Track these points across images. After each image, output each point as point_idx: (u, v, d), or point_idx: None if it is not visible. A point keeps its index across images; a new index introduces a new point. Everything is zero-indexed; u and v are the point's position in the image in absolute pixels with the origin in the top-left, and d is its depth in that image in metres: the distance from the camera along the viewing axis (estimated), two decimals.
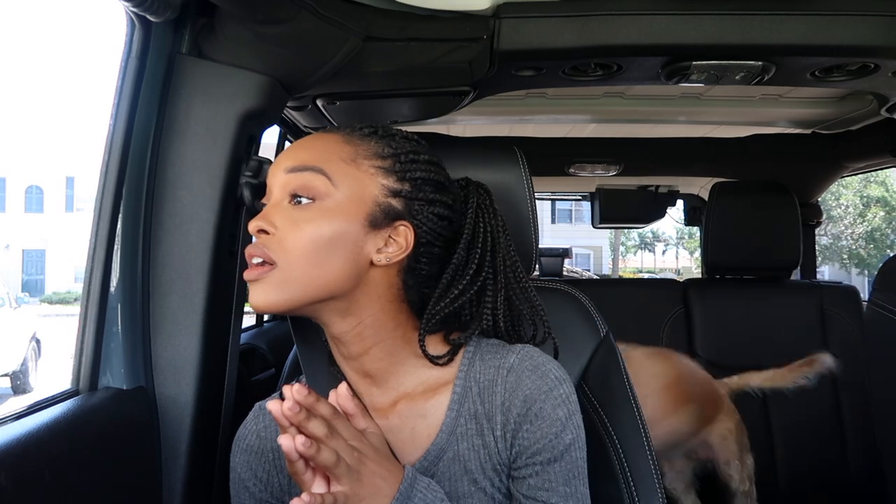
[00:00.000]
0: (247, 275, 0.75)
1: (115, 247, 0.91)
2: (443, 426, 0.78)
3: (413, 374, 0.80)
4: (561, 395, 0.76)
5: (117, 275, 0.92)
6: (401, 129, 0.82)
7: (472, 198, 0.84)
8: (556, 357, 0.85)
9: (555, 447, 0.75)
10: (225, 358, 1.00)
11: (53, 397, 0.85)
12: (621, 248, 26.50)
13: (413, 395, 0.80)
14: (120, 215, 0.91)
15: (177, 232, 0.94)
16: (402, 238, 0.77)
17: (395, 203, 0.77)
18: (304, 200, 0.75)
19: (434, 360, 0.79)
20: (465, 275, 0.80)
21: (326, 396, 0.79)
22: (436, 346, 0.81)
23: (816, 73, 1.24)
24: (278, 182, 0.77)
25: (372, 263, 0.76)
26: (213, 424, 0.98)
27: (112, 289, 0.91)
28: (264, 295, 0.74)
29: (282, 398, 0.83)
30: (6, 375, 7.24)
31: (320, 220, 0.74)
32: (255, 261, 0.74)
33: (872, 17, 1.07)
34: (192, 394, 0.93)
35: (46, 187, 23.83)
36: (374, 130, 0.80)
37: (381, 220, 0.76)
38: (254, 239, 0.76)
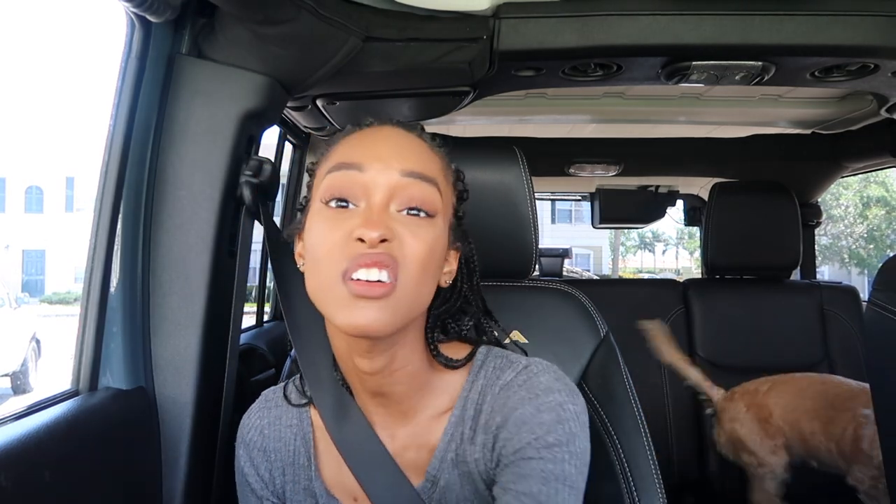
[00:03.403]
0: (368, 290, 0.63)
1: (115, 247, 0.91)
2: (436, 453, 0.75)
3: (427, 399, 0.76)
4: (549, 401, 0.70)
5: (117, 275, 0.92)
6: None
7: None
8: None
9: (532, 446, 0.69)
10: (224, 358, 1.00)
11: (54, 397, 0.85)
12: (621, 249, 26.50)
13: (419, 420, 0.76)
14: (120, 215, 0.91)
15: (177, 232, 0.94)
16: (454, 258, 0.75)
17: (454, 224, 0.75)
18: (423, 214, 0.68)
19: (447, 363, 0.75)
20: (463, 275, 0.79)
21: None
22: (452, 353, 0.78)
23: (816, 73, 1.25)
24: (388, 181, 0.67)
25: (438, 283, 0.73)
26: (213, 424, 0.98)
27: (112, 289, 0.91)
28: (384, 316, 0.64)
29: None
30: (6, 375, 7.24)
31: (432, 235, 0.68)
32: (372, 274, 0.63)
33: (872, 17, 1.07)
34: (192, 394, 0.93)
35: (46, 187, 23.82)
36: (434, 137, 0.76)
37: (450, 241, 0.74)
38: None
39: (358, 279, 0.63)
